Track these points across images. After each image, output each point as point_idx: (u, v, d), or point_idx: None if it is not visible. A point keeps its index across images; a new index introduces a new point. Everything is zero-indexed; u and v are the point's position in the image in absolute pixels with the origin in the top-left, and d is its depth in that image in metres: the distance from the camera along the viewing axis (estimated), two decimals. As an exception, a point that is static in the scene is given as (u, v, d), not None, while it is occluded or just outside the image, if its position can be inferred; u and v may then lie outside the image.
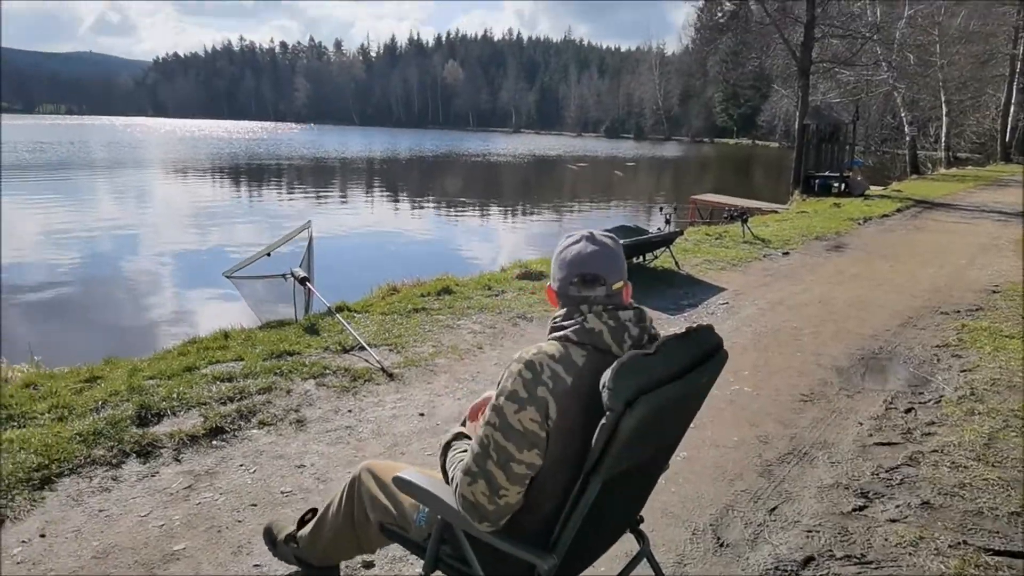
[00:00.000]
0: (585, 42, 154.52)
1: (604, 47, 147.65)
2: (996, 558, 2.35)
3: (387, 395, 3.68)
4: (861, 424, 3.47)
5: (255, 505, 2.59)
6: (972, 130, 31.59)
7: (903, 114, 25.55)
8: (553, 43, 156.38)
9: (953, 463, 3.03)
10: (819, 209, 13.13)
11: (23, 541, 2.33)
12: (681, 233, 9.01)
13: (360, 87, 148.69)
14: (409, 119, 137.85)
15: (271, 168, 32.09)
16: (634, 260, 7.08)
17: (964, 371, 4.26)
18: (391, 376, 3.91)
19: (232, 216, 16.56)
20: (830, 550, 2.40)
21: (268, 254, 5.41)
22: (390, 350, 4.37)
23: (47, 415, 3.16)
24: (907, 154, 26.34)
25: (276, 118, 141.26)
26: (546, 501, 1.41)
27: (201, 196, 20.62)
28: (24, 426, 3.06)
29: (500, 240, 14.92)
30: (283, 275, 5.20)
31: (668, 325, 5.15)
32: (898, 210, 13.20)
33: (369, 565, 2.23)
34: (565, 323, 1.45)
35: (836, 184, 16.63)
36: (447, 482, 1.54)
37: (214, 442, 3.06)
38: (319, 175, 30.00)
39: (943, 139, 28.38)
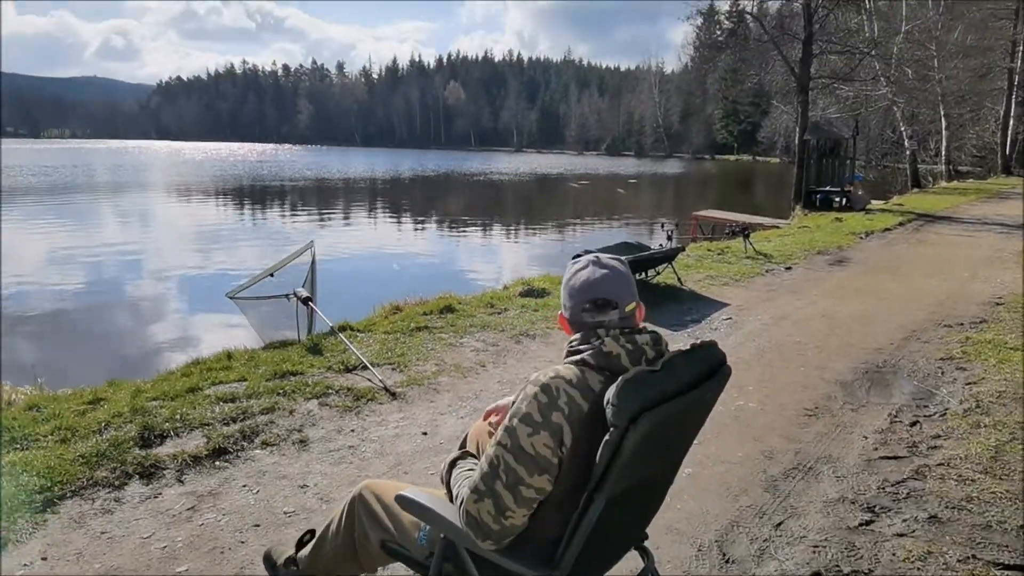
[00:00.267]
0: (585, 62, 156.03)
1: (604, 66, 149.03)
2: (1006, 572, 2.32)
3: (390, 414, 3.67)
4: (866, 438, 3.45)
5: (258, 526, 2.58)
6: (972, 143, 31.66)
7: (903, 128, 25.65)
8: (553, 63, 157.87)
9: (960, 476, 3.01)
10: (821, 224, 13.15)
11: (25, 564, 2.32)
12: (683, 249, 9.03)
13: (362, 108, 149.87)
14: (411, 139, 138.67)
15: (274, 189, 32.29)
16: (637, 276, 7.08)
17: (969, 384, 4.23)
18: (394, 395, 3.90)
19: (236, 237, 16.64)
20: (837, 565, 2.37)
21: (271, 275, 5.43)
22: (393, 369, 4.37)
23: (50, 437, 3.16)
24: (908, 168, 26.39)
25: (279, 140, 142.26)
26: (553, 521, 1.40)
27: (205, 218, 20.74)
28: (27, 448, 3.06)
29: (503, 258, 14.95)
30: (286, 295, 5.20)
31: (672, 341, 5.10)
32: (900, 224, 13.21)
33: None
34: (582, 347, 1.44)
35: (837, 199, 16.67)
36: (450, 499, 1.53)
37: (217, 463, 3.05)
38: (322, 196, 30.16)
39: (943, 152, 28.45)
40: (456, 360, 4.58)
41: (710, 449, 3.27)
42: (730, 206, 19.11)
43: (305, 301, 5.13)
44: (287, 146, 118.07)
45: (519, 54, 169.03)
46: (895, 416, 3.74)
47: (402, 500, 1.55)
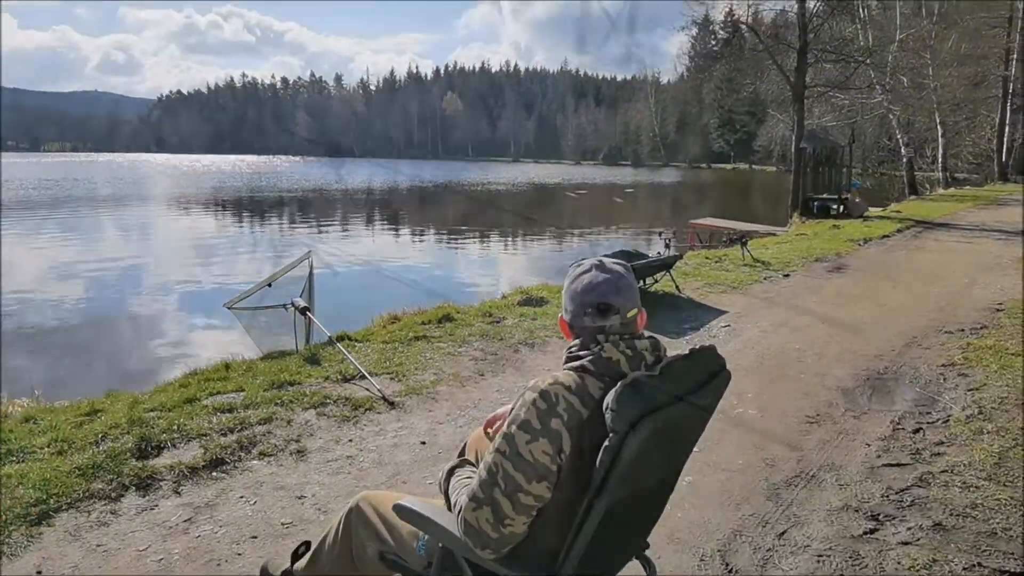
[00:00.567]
0: (581, 72, 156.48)
1: (600, 76, 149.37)
2: (1012, 580, 2.30)
3: (388, 424, 3.65)
4: (869, 445, 3.42)
5: (255, 537, 2.55)
6: (968, 150, 31.79)
7: (899, 136, 25.75)
8: (550, 74, 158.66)
9: (964, 483, 2.99)
10: (819, 231, 13.16)
11: (19, 578, 2.29)
12: (681, 257, 9.01)
13: (360, 120, 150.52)
14: (409, 150, 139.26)
15: (273, 200, 32.32)
16: (635, 284, 7.08)
17: (971, 390, 4.22)
18: (392, 405, 3.88)
19: (234, 248, 16.63)
20: (842, 575, 2.35)
21: (269, 285, 5.41)
22: (391, 379, 4.34)
23: (46, 449, 3.13)
24: (905, 175, 26.46)
25: (278, 151, 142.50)
26: (552, 530, 1.38)
27: (203, 229, 20.74)
28: (23, 461, 3.03)
29: (501, 268, 14.93)
30: (284, 305, 5.19)
31: (671, 348, 5.09)
32: (898, 230, 13.22)
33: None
34: (581, 352, 1.43)
35: (835, 206, 16.70)
36: (449, 508, 1.51)
37: (214, 473, 3.02)
38: (320, 206, 30.20)
39: (940, 160, 28.54)
40: (454, 369, 4.55)
41: (711, 457, 3.24)
42: (727, 214, 19.09)
43: (303, 311, 5.12)
44: (286, 158, 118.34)
45: (516, 65, 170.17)
46: (897, 423, 3.72)
47: (400, 509, 1.53)
